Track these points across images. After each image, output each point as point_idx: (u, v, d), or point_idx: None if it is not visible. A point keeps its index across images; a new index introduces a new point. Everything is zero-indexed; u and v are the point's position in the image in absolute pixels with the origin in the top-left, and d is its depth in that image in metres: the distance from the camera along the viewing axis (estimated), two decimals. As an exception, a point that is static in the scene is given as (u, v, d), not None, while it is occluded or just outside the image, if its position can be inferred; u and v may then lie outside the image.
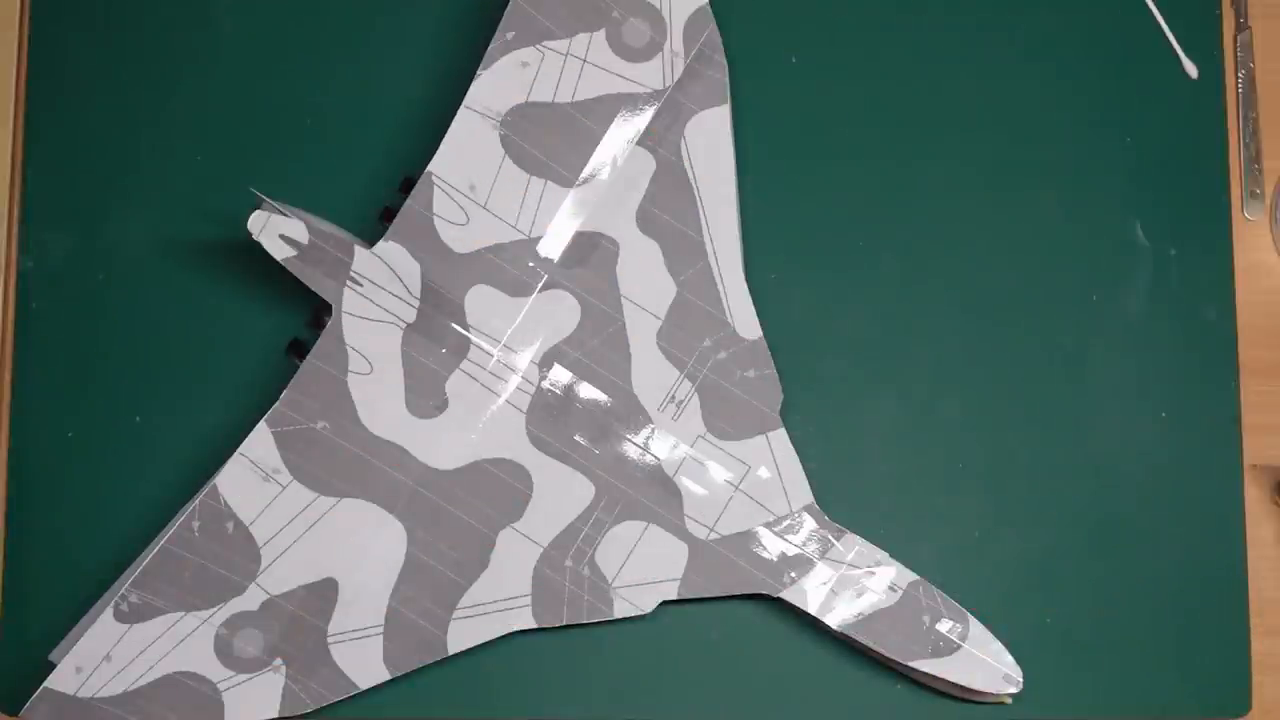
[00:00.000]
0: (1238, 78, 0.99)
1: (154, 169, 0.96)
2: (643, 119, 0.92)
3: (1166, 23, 0.99)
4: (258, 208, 0.88)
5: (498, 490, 0.90)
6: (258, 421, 0.88)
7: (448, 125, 0.91)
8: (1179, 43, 0.98)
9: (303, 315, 0.93)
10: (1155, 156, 0.98)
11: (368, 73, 0.97)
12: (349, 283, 0.89)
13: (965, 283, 0.96)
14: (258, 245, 0.88)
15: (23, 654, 0.91)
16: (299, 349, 0.90)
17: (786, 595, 0.90)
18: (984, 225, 0.97)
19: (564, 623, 0.90)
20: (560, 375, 0.91)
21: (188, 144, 0.96)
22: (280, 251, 0.88)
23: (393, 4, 0.98)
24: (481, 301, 0.91)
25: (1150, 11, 0.99)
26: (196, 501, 0.88)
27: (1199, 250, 0.97)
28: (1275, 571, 0.95)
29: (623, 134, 0.92)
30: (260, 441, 0.88)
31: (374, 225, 0.93)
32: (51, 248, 0.95)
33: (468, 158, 0.91)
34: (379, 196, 0.94)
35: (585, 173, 0.92)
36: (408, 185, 0.92)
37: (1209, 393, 0.96)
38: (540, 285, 0.91)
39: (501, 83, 0.91)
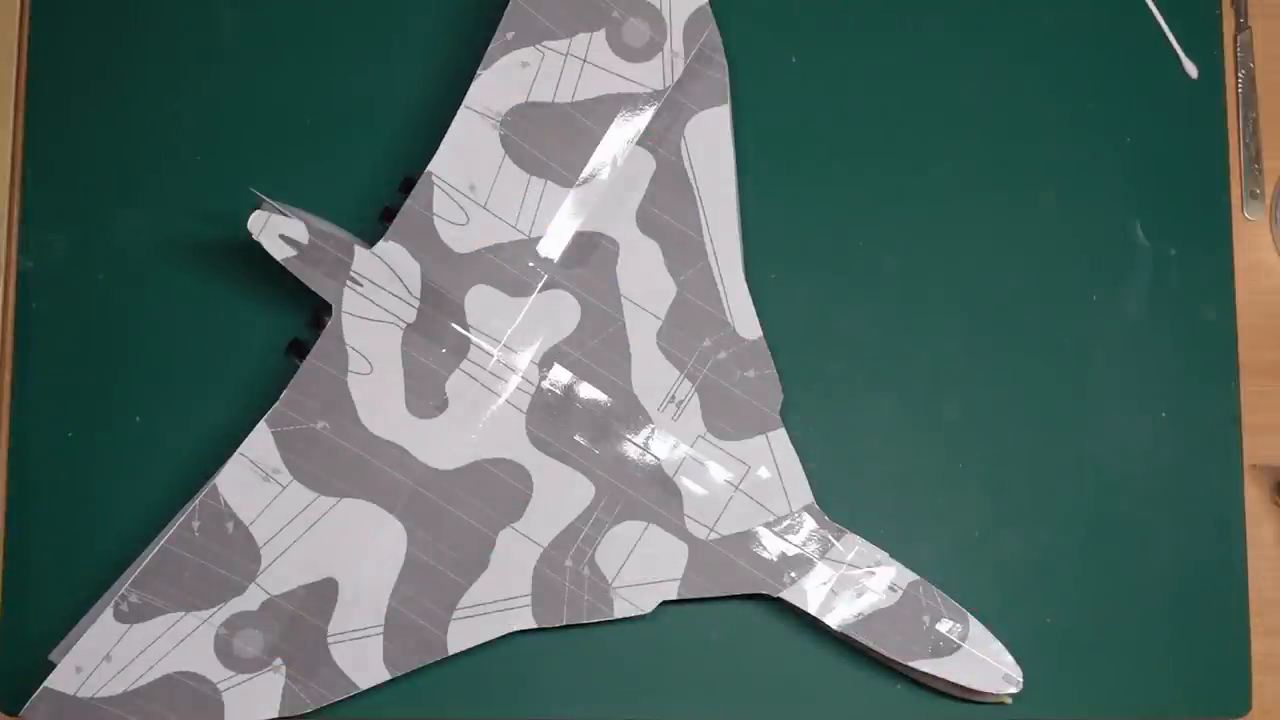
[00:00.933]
0: (1238, 78, 0.99)
1: (154, 169, 0.96)
2: (643, 119, 0.92)
3: (1166, 23, 0.99)
4: (258, 208, 0.88)
5: (498, 490, 0.90)
6: (258, 421, 0.88)
7: (448, 125, 0.91)
8: (1179, 43, 0.98)
9: (303, 315, 0.93)
10: (1155, 156, 0.97)
11: (368, 73, 0.97)
12: (349, 283, 0.89)
13: (965, 283, 0.96)
14: (258, 245, 0.88)
15: (23, 654, 0.91)
16: (299, 349, 0.90)
17: (786, 595, 0.90)
18: (984, 225, 0.97)
19: (564, 623, 0.90)
20: (560, 375, 0.91)
21: (188, 144, 0.96)
22: (280, 251, 0.88)
23: (393, 4, 0.98)
24: (481, 301, 0.91)
25: (1150, 11, 0.99)
26: (196, 501, 0.88)
27: (1199, 250, 0.97)
28: (1275, 571, 0.95)
29: (623, 134, 0.92)
30: (260, 441, 0.88)
31: (374, 225, 0.93)
32: (51, 248, 0.95)
33: (468, 158, 0.91)
34: (379, 196, 0.94)
35: (585, 173, 0.92)
36: (408, 185, 0.91)
37: (1209, 393, 0.96)
38: (540, 285, 0.91)
39: (501, 83, 0.91)
